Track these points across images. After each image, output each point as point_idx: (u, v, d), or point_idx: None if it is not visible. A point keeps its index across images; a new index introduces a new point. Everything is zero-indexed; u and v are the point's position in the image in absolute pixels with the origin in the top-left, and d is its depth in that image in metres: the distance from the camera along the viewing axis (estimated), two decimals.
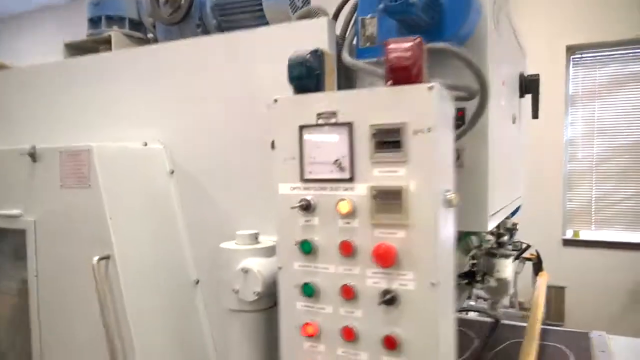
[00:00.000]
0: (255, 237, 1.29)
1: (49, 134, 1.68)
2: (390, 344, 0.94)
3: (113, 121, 1.61)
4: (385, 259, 0.93)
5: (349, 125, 0.97)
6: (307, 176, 1.02)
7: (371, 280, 0.96)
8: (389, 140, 0.93)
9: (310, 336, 1.03)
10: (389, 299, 0.93)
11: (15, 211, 1.47)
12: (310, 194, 1.01)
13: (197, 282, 1.50)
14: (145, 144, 1.50)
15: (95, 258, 1.28)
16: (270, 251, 1.26)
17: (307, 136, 1.01)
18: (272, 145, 1.06)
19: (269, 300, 1.19)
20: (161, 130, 1.53)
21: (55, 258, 1.42)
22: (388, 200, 0.94)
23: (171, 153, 1.53)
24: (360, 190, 0.96)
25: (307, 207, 1.00)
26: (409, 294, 0.92)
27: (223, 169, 1.46)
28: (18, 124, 1.85)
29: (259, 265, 1.20)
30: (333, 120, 0.98)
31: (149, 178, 1.48)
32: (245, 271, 1.18)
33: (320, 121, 1.00)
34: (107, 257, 1.30)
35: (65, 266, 1.39)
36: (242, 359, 1.26)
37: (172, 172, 1.53)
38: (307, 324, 1.03)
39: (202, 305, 1.50)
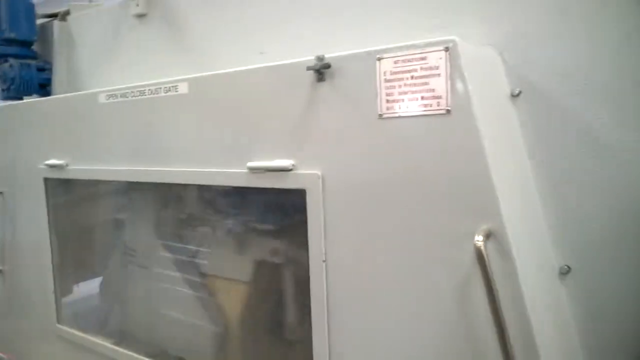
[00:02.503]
0: None
1: None
2: None
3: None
4: None
5: None
6: None
7: None
8: None
9: None
10: None
11: (286, 162, 0.93)
12: None
13: (568, 270, 0.94)
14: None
15: (479, 236, 0.74)
16: None
17: None
18: None
19: None
20: (488, 25, 0.95)
21: (362, 233, 0.88)
22: None
23: (514, 62, 0.95)
24: None
25: None
26: None
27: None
28: None
29: None
30: None
31: (497, 102, 0.91)
32: None
33: None
34: (487, 234, 0.76)
35: (381, 245, 0.86)
36: None
37: (519, 93, 0.95)
38: None
39: (566, 301, 0.95)
